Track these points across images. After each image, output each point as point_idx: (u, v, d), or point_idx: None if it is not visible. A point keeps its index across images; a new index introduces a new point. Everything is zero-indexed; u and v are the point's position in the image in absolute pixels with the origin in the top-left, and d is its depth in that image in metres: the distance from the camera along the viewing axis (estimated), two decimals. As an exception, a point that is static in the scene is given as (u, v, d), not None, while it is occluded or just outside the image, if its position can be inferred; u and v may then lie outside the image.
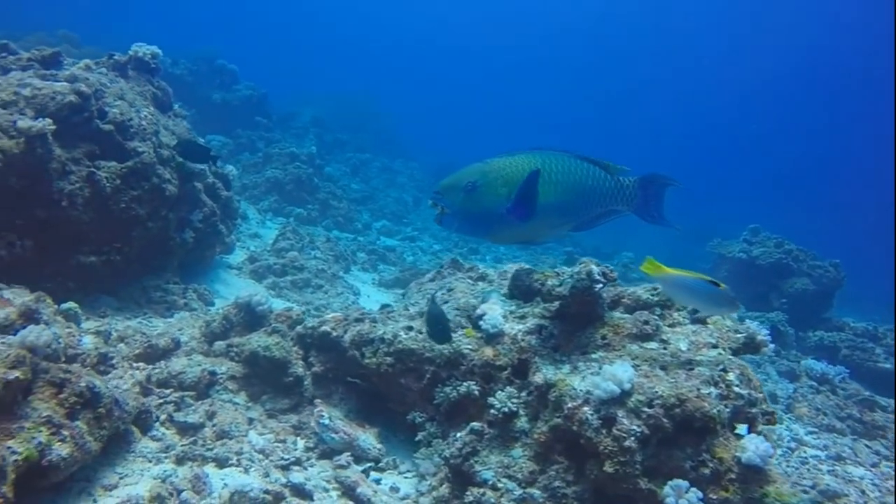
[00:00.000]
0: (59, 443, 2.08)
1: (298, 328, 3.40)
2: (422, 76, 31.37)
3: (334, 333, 3.26)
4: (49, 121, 3.75)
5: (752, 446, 2.19)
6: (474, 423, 2.67)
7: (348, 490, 2.61)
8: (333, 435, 2.87)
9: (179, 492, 2.42)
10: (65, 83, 4.11)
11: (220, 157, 4.42)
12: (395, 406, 3.15)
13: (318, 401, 3.06)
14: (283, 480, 2.65)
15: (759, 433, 2.29)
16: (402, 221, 10.88)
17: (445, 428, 2.87)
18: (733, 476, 2.18)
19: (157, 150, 4.35)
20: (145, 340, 3.43)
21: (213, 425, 2.90)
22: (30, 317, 3.21)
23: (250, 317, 3.56)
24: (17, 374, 1.98)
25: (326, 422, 2.89)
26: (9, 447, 1.91)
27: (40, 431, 2.04)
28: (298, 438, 3.01)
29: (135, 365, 3.31)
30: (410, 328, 3.05)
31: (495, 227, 2.78)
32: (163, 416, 2.86)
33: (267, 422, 3.09)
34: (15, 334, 3.25)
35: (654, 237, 12.59)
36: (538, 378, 2.61)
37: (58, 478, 2.12)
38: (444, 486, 2.57)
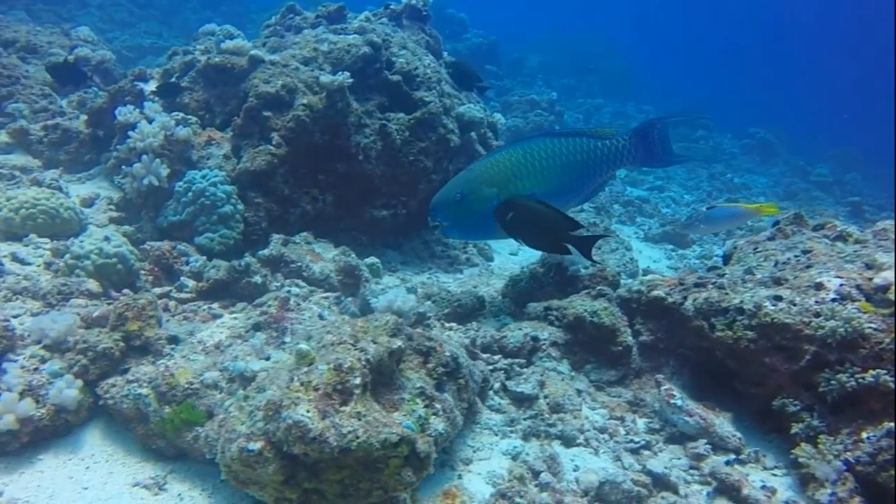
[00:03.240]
0: (434, 416, 1.90)
1: (621, 291, 3.02)
2: (653, 13, 28.92)
3: (670, 299, 2.84)
4: (347, 74, 3.70)
5: None
6: (891, 424, 2.11)
7: (728, 490, 2.20)
8: (687, 418, 2.47)
9: (537, 473, 2.18)
10: (356, 35, 4.05)
11: (489, 87, 4.24)
12: (746, 387, 2.66)
13: (660, 377, 2.68)
14: (638, 467, 2.32)
15: None
16: (642, 169, 10.09)
17: (830, 422, 2.34)
18: None
19: (441, 100, 4.18)
20: (453, 299, 3.29)
21: (546, 397, 2.65)
22: (350, 273, 3.19)
23: (560, 277, 3.26)
24: (398, 342, 1.81)
25: (679, 402, 2.50)
26: (387, 415, 1.74)
27: (417, 404, 1.87)
28: (636, 416, 2.67)
29: (446, 325, 3.18)
30: (779, 298, 2.52)
31: (493, 228, 2.86)
32: (496, 385, 2.66)
33: (596, 395, 2.79)
34: (330, 289, 3.28)
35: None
36: None
37: (431, 453, 1.95)
38: (854, 500, 2.06)
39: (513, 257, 4.90)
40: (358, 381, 1.53)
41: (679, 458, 2.41)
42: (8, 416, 1.84)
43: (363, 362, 1.66)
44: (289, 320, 2.10)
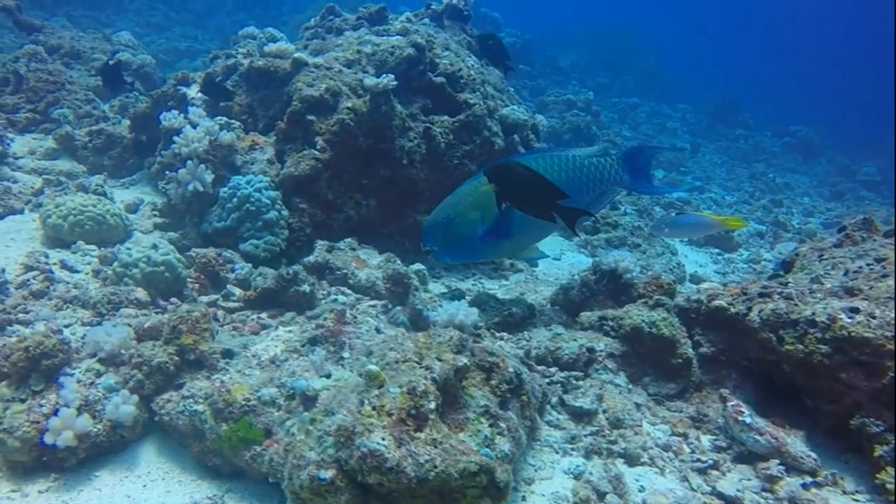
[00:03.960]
0: (499, 436, 1.81)
1: (679, 300, 2.91)
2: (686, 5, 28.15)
3: (733, 310, 2.71)
4: (391, 76, 3.63)
5: None
6: None
7: (810, 517, 2.08)
8: (757, 437, 2.35)
9: (602, 494, 2.09)
10: (399, 37, 3.99)
11: (514, 70, 4.16)
12: (817, 404, 2.53)
13: (725, 391, 2.56)
14: (708, 489, 2.21)
15: None
16: (680, 170, 9.89)
17: (916, 443, 2.21)
18: None
19: (485, 102, 4.10)
20: (503, 307, 3.20)
21: (604, 411, 2.55)
22: (398, 281, 3.12)
23: (614, 285, 3.15)
24: (463, 360, 1.73)
25: (748, 420, 2.37)
26: (462, 441, 1.66)
27: (482, 423, 1.79)
28: (700, 433, 2.55)
29: (497, 335, 3.09)
30: (856, 310, 2.38)
31: (480, 249, 2.97)
32: (553, 399, 2.56)
33: (656, 409, 2.68)
34: (376, 296, 3.21)
35: None
36: None
37: (495, 474, 1.86)
38: (949, 527, 1.92)
39: (556, 262, 4.79)
40: (433, 405, 1.45)
41: (749, 480, 2.29)
42: (67, 432, 1.80)
43: (431, 382, 1.58)
44: (346, 334, 2.03)
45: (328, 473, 1.34)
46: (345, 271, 3.24)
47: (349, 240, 3.52)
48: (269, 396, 1.85)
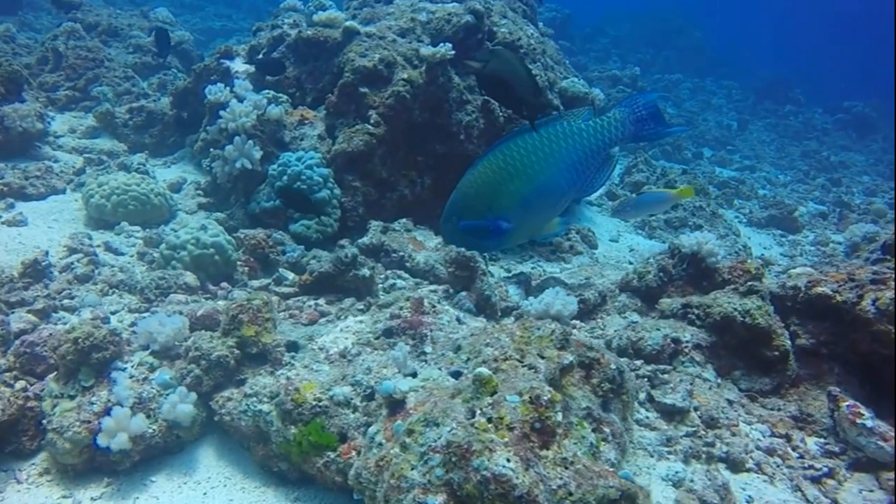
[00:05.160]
0: (604, 442, 1.59)
1: (773, 287, 2.64)
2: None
3: (839, 298, 2.44)
4: (449, 45, 3.38)
5: None
6: None
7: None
8: (881, 443, 2.09)
9: (710, 506, 1.85)
10: (455, 3, 3.73)
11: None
12: (940, 403, 2.26)
13: (835, 389, 2.30)
14: (826, 501, 1.96)
15: None
16: (727, 148, 9.48)
17: None
18: None
19: (545, 73, 3.83)
20: (574, 294, 2.95)
21: (696, 409, 2.31)
22: (464, 265, 2.89)
23: (694, 269, 2.89)
24: (569, 357, 1.51)
25: (870, 423, 2.11)
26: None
27: (585, 428, 1.56)
28: (804, 435, 2.30)
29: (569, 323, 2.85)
30: None
31: (495, 238, 2.95)
32: (641, 395, 2.33)
33: (751, 407, 2.42)
34: (436, 280, 3.00)
35: None
36: None
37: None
38: None
39: (613, 244, 4.53)
40: (559, 416, 1.23)
41: (872, 491, 2.03)
42: (121, 434, 1.62)
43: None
44: (426, 325, 1.81)
45: (438, 499, 1.12)
46: (401, 254, 3.03)
47: (404, 220, 3.31)
48: (344, 396, 1.64)
